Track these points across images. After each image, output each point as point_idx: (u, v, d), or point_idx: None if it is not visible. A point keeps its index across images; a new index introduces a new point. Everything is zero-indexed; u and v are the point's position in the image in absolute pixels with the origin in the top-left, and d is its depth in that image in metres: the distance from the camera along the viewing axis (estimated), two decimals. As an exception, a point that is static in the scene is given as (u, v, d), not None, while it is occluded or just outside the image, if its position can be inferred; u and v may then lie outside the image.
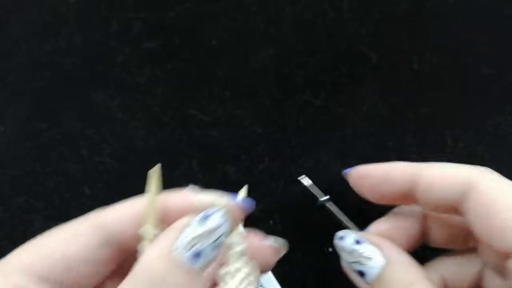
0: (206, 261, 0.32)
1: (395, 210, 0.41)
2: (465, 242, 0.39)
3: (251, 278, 0.35)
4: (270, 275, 0.45)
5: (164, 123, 0.61)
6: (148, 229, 0.34)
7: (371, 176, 0.39)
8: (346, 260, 0.38)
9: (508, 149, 0.59)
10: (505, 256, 0.33)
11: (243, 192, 0.40)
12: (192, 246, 0.31)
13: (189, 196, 0.36)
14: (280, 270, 0.38)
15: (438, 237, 0.40)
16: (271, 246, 0.38)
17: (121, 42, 0.64)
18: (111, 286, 0.38)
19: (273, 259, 0.38)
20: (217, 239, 0.33)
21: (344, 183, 0.42)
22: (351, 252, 0.37)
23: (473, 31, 0.63)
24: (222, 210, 0.34)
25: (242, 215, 0.36)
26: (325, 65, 0.62)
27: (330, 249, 0.40)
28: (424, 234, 0.40)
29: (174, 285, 0.31)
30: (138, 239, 0.34)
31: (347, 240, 0.38)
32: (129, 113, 0.61)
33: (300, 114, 0.61)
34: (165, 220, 0.35)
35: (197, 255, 0.32)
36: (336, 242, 0.39)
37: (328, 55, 0.63)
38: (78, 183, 0.58)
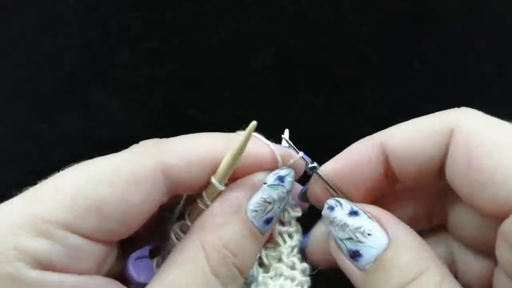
0: (273, 224, 0.32)
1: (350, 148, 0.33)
2: (436, 177, 0.30)
3: (301, 241, 0.35)
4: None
5: (164, 123, 0.61)
6: (220, 180, 0.31)
7: (337, 178, 0.32)
8: (336, 237, 0.30)
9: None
10: (495, 215, 0.26)
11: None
12: (267, 212, 0.31)
13: (262, 147, 0.33)
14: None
15: (405, 173, 0.31)
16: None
17: (121, 42, 0.63)
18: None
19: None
20: (286, 203, 0.32)
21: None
22: (344, 225, 0.29)
23: (473, 31, 0.63)
24: (292, 171, 0.33)
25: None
26: (326, 65, 0.62)
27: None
28: (388, 173, 0.32)
29: (246, 248, 0.30)
30: (199, 185, 0.31)
31: (340, 210, 0.30)
32: (129, 113, 0.61)
33: (300, 114, 0.61)
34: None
35: (269, 220, 0.31)
36: (326, 212, 0.31)
37: (329, 55, 0.63)
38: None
